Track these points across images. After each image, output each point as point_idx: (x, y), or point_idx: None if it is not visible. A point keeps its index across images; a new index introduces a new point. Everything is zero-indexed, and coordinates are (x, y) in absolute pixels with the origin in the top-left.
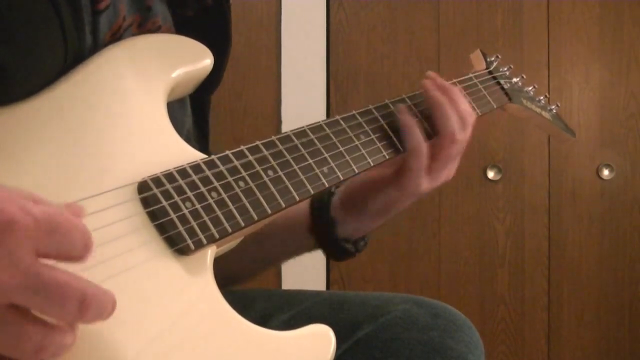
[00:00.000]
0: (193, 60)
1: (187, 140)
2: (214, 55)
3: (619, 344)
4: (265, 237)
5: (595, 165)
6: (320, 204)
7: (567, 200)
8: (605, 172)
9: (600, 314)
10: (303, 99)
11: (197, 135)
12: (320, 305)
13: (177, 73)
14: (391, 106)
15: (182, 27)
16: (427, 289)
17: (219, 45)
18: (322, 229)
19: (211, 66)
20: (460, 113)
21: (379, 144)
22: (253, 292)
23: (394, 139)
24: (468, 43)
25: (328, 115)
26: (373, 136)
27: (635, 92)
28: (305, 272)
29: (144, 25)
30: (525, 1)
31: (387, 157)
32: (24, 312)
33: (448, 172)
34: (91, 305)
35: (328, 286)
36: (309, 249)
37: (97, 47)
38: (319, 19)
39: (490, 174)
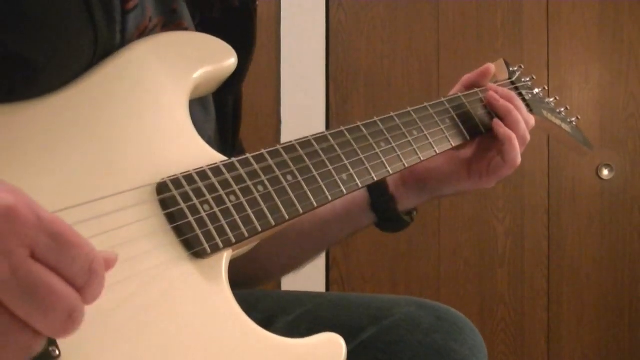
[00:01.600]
0: (217, 59)
1: (209, 143)
2: (237, 55)
3: (619, 344)
4: (326, 224)
5: (595, 165)
6: (377, 183)
7: (567, 200)
8: (605, 172)
9: (600, 314)
10: (303, 99)
11: (219, 137)
12: (323, 307)
13: (201, 72)
14: (413, 114)
15: (207, 28)
16: (427, 289)
17: (243, 45)
18: (383, 207)
19: (235, 65)
20: (525, 117)
21: (398, 152)
22: (256, 293)
23: (414, 148)
24: (468, 43)
25: (327, 115)
26: (393, 144)
27: (635, 92)
28: (305, 272)
29: (168, 27)
30: (525, 1)
31: (406, 165)
32: (8, 310)
33: None
34: (76, 322)
35: (328, 286)
36: (367, 226)
37: (124, 45)
38: (318, 19)
39: None
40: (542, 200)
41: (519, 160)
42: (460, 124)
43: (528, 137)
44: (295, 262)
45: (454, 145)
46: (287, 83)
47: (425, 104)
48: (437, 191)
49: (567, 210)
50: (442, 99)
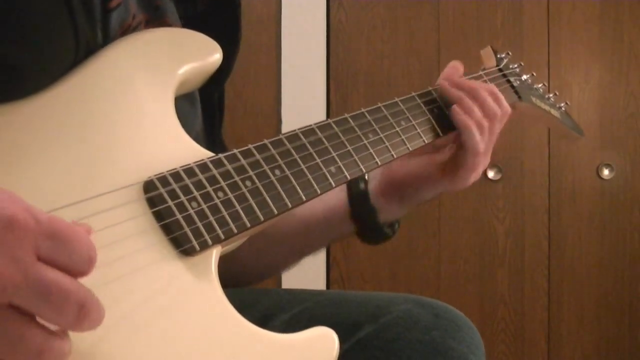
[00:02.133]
0: (202, 54)
1: (197, 140)
2: (223, 49)
3: (619, 344)
4: (306, 229)
5: (595, 165)
6: (359, 194)
7: (567, 200)
8: (605, 172)
9: (600, 314)
10: (303, 99)
11: (205, 133)
12: (321, 304)
13: (186, 68)
14: (401, 104)
15: (192, 23)
16: (427, 289)
17: (229, 39)
18: (364, 218)
19: (220, 61)
20: (488, 106)
21: (387, 143)
22: (254, 292)
23: (403, 138)
24: (468, 43)
25: (328, 115)
26: (381, 135)
27: (635, 92)
28: (305, 272)
29: (152, 24)
30: (525, 1)
31: (395, 156)
32: (23, 314)
33: (485, 162)
34: (89, 313)
35: (328, 286)
36: (348, 236)
37: (107, 44)
38: (319, 19)
39: (490, 174)
40: (542, 200)
41: (479, 147)
42: (447, 114)
43: (485, 124)
44: (277, 267)
45: (442, 135)
46: (287, 83)
47: (413, 93)
48: (415, 197)
49: (567, 210)
50: (430, 89)
